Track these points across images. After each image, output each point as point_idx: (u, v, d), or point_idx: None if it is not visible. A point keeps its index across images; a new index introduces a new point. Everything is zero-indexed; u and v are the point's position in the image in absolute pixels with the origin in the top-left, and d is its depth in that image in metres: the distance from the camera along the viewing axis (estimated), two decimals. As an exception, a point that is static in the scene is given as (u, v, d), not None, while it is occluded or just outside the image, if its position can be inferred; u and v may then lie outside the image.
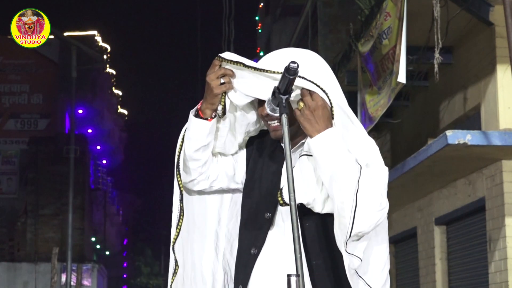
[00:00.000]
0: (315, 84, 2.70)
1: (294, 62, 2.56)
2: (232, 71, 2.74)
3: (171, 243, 2.89)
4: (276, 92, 2.63)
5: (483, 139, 7.86)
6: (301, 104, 2.70)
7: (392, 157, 12.60)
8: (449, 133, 7.88)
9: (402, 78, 7.95)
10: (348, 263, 2.62)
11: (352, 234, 2.59)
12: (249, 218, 2.86)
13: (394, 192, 10.76)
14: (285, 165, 2.62)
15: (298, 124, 2.75)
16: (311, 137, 2.68)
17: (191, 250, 2.94)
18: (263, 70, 2.71)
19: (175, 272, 2.91)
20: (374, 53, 9.19)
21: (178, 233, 2.88)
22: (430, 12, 8.04)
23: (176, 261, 2.90)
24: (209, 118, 2.80)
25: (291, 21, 20.30)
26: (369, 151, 2.72)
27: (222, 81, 2.74)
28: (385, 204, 2.66)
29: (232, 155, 2.95)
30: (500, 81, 8.61)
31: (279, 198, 2.70)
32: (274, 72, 2.69)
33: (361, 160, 2.67)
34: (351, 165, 2.62)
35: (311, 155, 2.71)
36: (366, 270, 2.69)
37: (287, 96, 2.62)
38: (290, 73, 2.56)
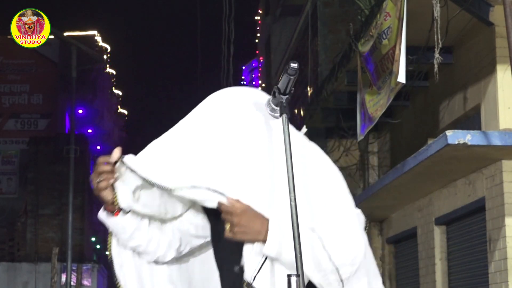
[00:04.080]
0: (216, 192, 2.59)
1: (294, 62, 2.54)
2: (110, 169, 2.67)
3: None
4: (276, 92, 2.61)
5: (483, 139, 7.85)
6: (227, 225, 2.60)
7: (392, 157, 12.60)
8: (449, 133, 7.87)
9: (402, 78, 7.94)
10: None
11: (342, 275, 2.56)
12: (223, 271, 2.78)
13: (394, 192, 10.76)
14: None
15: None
16: (262, 242, 2.56)
17: None
18: (160, 187, 2.64)
19: None
20: (374, 53, 9.19)
21: None
22: (430, 12, 8.03)
23: None
24: (115, 213, 2.73)
25: (291, 21, 20.27)
26: (332, 201, 2.67)
27: (98, 180, 2.68)
28: (359, 244, 2.61)
29: (184, 214, 2.86)
30: (500, 81, 8.60)
31: (244, 284, 2.60)
32: (169, 190, 2.63)
33: (321, 217, 2.62)
34: (311, 242, 2.56)
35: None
36: None
37: (287, 96, 2.61)
38: (290, 73, 2.55)
